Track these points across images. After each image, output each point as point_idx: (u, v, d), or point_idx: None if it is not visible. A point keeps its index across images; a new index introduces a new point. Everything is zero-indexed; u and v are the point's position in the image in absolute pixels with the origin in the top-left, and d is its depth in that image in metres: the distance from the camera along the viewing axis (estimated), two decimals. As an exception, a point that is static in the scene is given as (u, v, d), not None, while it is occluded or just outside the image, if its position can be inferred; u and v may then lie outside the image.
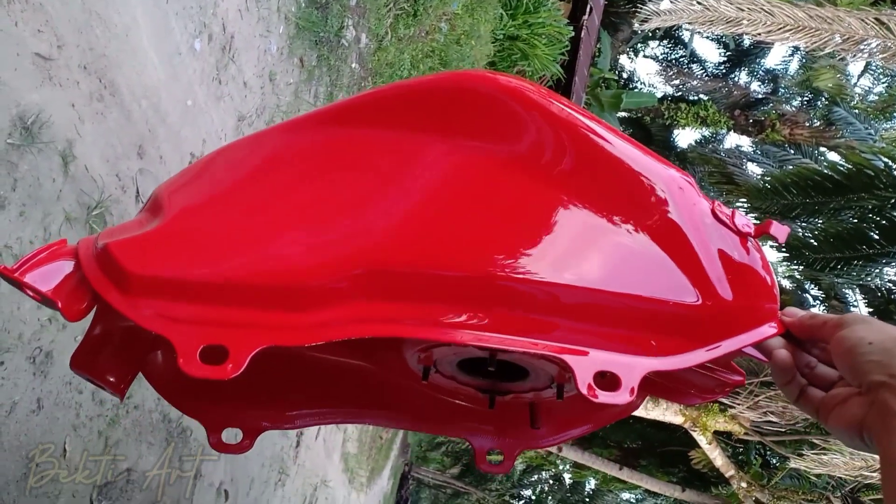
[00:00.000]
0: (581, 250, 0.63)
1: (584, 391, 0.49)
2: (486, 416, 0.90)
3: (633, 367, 0.52)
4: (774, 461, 7.29)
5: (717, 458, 6.64)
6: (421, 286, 0.56)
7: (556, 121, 0.67)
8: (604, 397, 0.49)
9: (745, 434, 6.19)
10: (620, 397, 0.50)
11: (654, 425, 8.25)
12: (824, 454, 4.85)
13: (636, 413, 4.74)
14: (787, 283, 7.83)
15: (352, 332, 0.54)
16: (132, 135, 2.28)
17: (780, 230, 0.66)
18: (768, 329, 0.63)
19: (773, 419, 5.58)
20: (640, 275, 0.62)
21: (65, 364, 2.24)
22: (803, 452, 5.30)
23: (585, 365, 0.51)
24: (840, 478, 5.49)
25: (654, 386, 0.84)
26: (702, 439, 6.57)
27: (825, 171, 5.69)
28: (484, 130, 0.68)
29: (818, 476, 6.04)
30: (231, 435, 0.77)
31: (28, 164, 1.83)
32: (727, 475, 6.75)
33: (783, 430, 5.69)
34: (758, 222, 0.69)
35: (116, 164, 2.22)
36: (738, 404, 5.95)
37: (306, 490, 4.62)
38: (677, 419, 6.65)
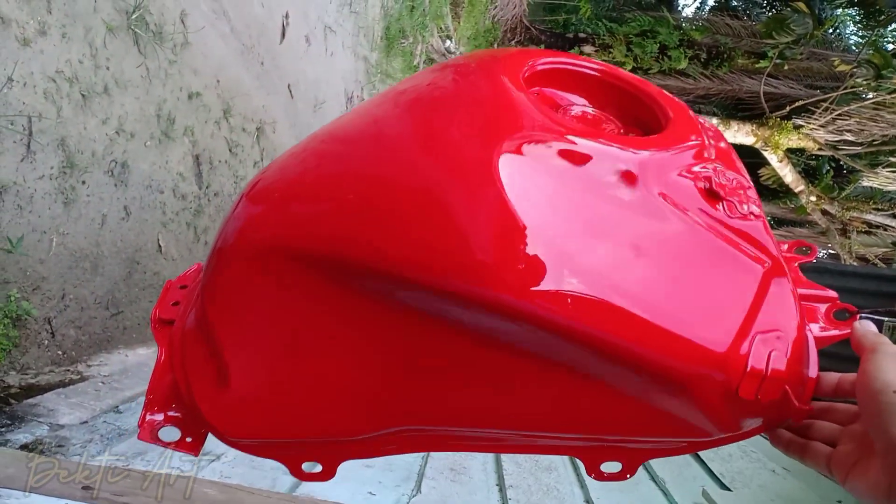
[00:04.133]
0: (588, 407, 0.61)
1: (593, 477, 0.64)
2: None
3: (634, 456, 0.64)
4: (846, 172, 7.19)
5: (788, 174, 6.58)
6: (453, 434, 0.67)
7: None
8: (607, 478, 0.64)
9: (819, 150, 6.06)
10: (622, 479, 0.64)
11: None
12: (898, 171, 4.76)
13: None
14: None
15: (406, 449, 0.66)
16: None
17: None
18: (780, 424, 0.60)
19: (849, 137, 5.40)
20: (653, 422, 0.61)
21: (142, 171, 2.36)
22: (877, 170, 5.20)
23: (593, 457, 0.64)
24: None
25: None
26: (773, 157, 6.46)
27: None
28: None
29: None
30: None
31: (55, -17, 1.77)
32: (797, 190, 6.73)
33: (859, 147, 5.52)
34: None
35: (142, -39, 2.11)
36: (813, 121, 5.75)
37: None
38: (748, 140, 6.50)
